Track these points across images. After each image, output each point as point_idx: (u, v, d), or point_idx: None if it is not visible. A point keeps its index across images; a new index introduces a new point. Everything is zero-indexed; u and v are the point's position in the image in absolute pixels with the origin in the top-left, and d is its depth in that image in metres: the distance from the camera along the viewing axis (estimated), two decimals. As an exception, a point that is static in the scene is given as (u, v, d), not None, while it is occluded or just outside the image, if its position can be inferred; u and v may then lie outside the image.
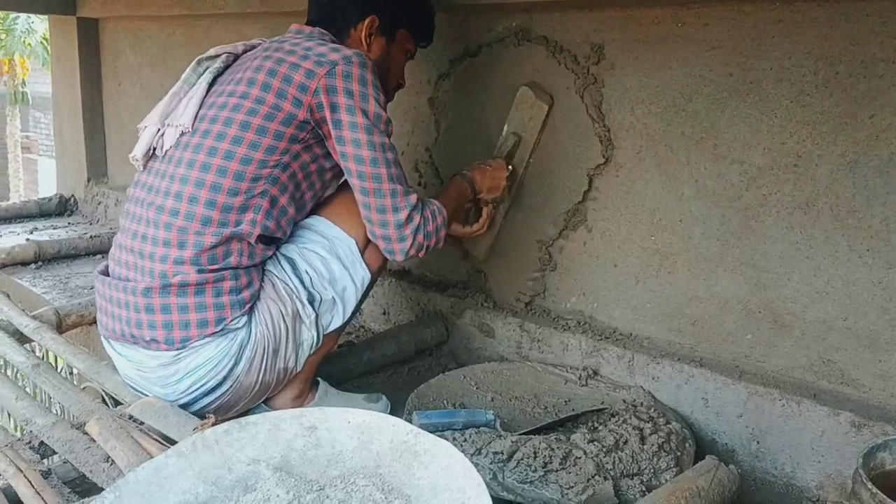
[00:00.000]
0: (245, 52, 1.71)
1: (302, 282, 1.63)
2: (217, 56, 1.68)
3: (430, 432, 1.51)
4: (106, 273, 1.66)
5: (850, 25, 1.47)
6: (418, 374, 2.12)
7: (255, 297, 1.59)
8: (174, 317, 1.52)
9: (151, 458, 1.26)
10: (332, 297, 1.67)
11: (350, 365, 2.01)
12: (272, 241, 1.62)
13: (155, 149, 1.63)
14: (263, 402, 1.70)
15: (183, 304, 1.52)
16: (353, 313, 1.74)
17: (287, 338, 1.61)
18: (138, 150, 1.64)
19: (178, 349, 1.53)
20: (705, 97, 1.70)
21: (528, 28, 1.99)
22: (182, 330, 1.52)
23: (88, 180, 3.76)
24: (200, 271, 1.52)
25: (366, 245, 1.70)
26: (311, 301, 1.64)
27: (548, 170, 2.01)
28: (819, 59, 1.52)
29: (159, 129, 1.62)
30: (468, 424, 1.60)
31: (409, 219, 1.61)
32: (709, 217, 1.73)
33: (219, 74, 1.65)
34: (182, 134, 1.58)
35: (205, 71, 1.65)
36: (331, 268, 1.66)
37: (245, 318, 1.57)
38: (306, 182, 1.64)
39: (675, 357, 1.80)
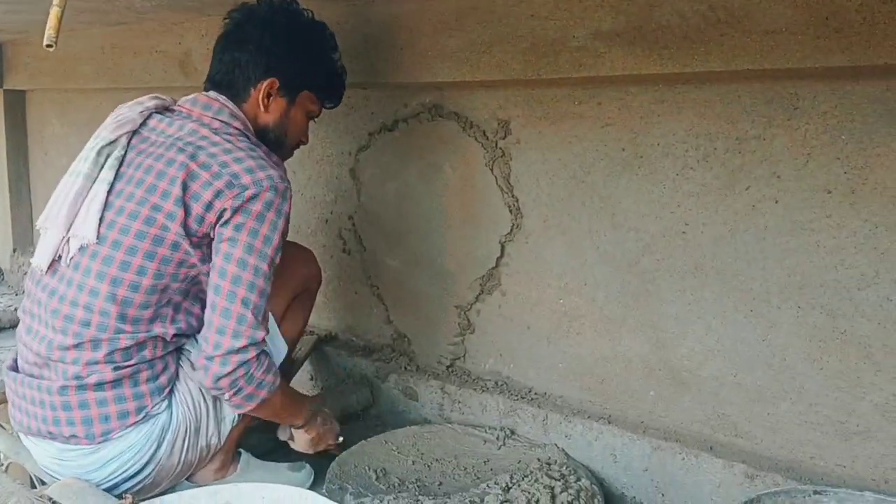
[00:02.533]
0: (143, 122, 1.64)
1: None
2: (116, 140, 1.60)
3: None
4: (16, 368, 1.63)
5: (725, 106, 1.61)
6: (345, 440, 2.16)
7: (174, 380, 1.61)
8: (93, 412, 1.52)
9: (67, 540, 1.28)
10: None
11: (274, 433, 2.04)
12: (185, 335, 1.64)
13: (61, 256, 1.57)
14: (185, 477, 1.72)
15: (101, 398, 1.52)
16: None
17: (208, 415, 1.64)
18: (43, 259, 1.57)
19: (99, 443, 1.53)
20: (602, 170, 1.81)
21: (441, 104, 2.10)
22: (102, 424, 1.52)
23: (14, 251, 3.73)
24: (116, 368, 1.52)
25: (283, 317, 1.75)
26: None
27: (464, 237, 2.11)
28: (699, 135, 1.65)
29: (64, 237, 1.56)
30: None
31: (244, 350, 1.50)
32: (610, 281, 1.84)
33: (120, 163, 1.58)
34: (86, 245, 1.53)
35: (105, 160, 1.58)
36: None
37: (165, 403, 1.58)
38: (206, 282, 1.61)
39: (586, 415, 1.89)
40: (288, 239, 1.75)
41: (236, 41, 1.71)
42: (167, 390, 1.59)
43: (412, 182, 2.20)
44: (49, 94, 3.56)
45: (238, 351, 1.50)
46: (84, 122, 3.38)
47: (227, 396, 1.54)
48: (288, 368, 1.94)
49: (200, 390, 1.62)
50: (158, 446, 1.57)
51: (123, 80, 2.92)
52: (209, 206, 1.51)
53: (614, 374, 1.86)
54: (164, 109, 1.69)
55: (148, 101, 1.69)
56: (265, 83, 1.69)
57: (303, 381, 2.47)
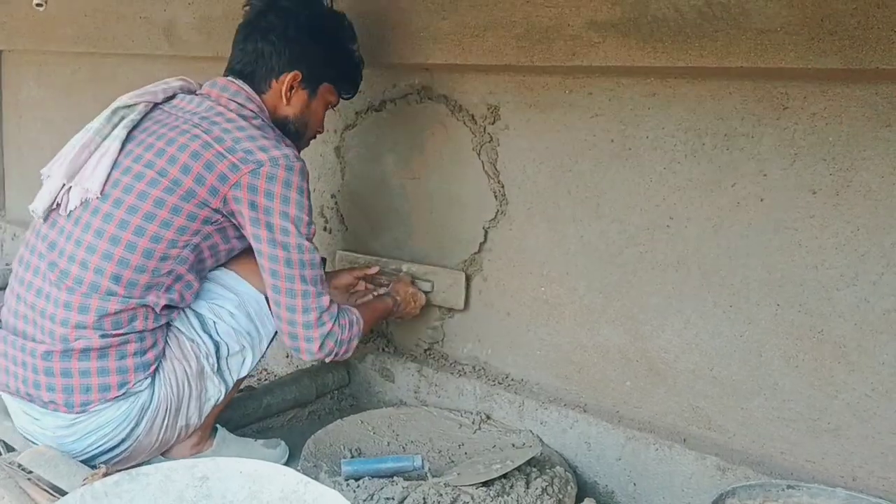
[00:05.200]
0: (166, 99, 1.68)
1: (210, 336, 1.66)
2: (135, 105, 1.63)
3: (356, 480, 1.57)
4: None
5: (716, 102, 1.62)
6: (319, 418, 2.17)
7: (160, 358, 1.60)
8: (75, 381, 1.51)
9: (39, 509, 1.27)
10: (240, 350, 1.70)
11: (249, 410, 2.04)
12: (176, 308, 1.63)
13: (59, 204, 1.57)
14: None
15: (84, 368, 1.51)
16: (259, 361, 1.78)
17: (190, 396, 1.63)
18: (40, 204, 1.57)
19: (77, 413, 1.52)
20: (590, 160, 1.82)
21: (430, 86, 2.09)
22: (82, 394, 1.51)
23: (-16, 213, 3.66)
24: (104, 336, 1.51)
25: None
26: (219, 352, 1.66)
27: (447, 222, 2.11)
28: (688, 130, 1.67)
29: (65, 185, 1.56)
30: (397, 472, 1.62)
31: (320, 322, 1.62)
32: (592, 271, 1.85)
33: (134, 126, 1.60)
34: (90, 198, 1.54)
35: (119, 121, 1.59)
36: (240, 323, 1.69)
37: (148, 381, 1.57)
38: (213, 258, 1.65)
39: (562, 402, 1.91)
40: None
41: (259, 31, 1.71)
42: (152, 367, 1.58)
43: (398, 163, 2.19)
44: (27, 56, 3.49)
45: (315, 325, 1.61)
46: (61, 86, 3.32)
47: (329, 360, 1.69)
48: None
49: (186, 372, 1.62)
50: (137, 424, 1.57)
51: (105, 46, 2.88)
52: (224, 179, 1.53)
53: (591, 364, 1.88)
54: (188, 91, 1.72)
55: (174, 82, 1.73)
56: (288, 76, 1.71)
57: (279, 358, 2.46)
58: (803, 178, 1.53)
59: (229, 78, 1.71)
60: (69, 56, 3.23)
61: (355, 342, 1.72)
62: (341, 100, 1.90)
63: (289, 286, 1.59)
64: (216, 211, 1.56)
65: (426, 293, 2.10)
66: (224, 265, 1.71)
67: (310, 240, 1.62)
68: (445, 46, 1.91)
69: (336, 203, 2.38)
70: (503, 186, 1.98)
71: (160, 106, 1.67)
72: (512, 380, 2.03)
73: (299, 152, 1.75)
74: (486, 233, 2.03)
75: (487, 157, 2.00)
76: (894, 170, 1.43)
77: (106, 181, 1.54)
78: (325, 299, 1.63)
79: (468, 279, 2.08)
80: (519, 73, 1.90)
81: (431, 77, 2.09)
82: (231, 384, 1.71)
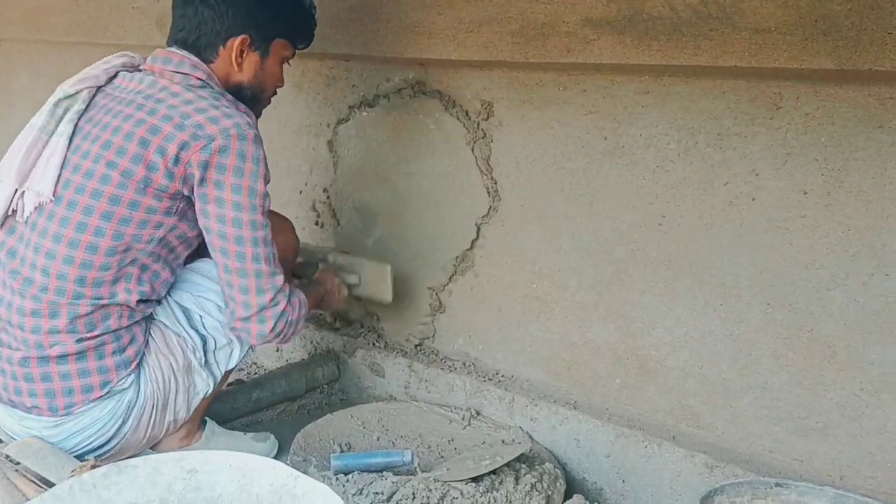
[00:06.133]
0: (109, 80, 1.60)
1: (196, 330, 1.64)
2: (77, 94, 1.55)
3: (346, 474, 1.57)
4: None
5: (709, 101, 1.62)
6: (308, 413, 2.17)
7: (142, 353, 1.58)
8: (56, 384, 1.49)
9: (27, 500, 1.26)
10: (227, 343, 1.69)
11: (239, 403, 2.03)
12: (150, 301, 1.60)
13: (15, 210, 1.52)
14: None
15: (64, 371, 1.49)
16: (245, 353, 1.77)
17: (177, 391, 1.62)
18: None
19: (62, 416, 1.51)
20: (583, 157, 1.82)
21: (424, 81, 2.09)
22: (65, 397, 1.50)
23: (-27, 204, 3.63)
24: (79, 340, 1.49)
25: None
26: (206, 346, 1.65)
27: (439, 217, 2.11)
28: (681, 129, 1.67)
29: (17, 189, 1.50)
30: (386, 466, 1.63)
31: (274, 302, 1.54)
32: (584, 268, 1.85)
33: (80, 115, 1.54)
34: (43, 202, 1.49)
35: (64, 114, 1.53)
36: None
37: (132, 377, 1.56)
38: (183, 246, 1.60)
39: (552, 399, 1.91)
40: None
41: None
42: (134, 364, 1.56)
43: (390, 158, 2.19)
44: (18, 45, 3.46)
45: (269, 306, 1.53)
46: (52, 76, 3.27)
47: (274, 344, 1.65)
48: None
49: (172, 367, 1.60)
50: (124, 422, 1.56)
51: (97, 36, 2.86)
52: (177, 160, 1.47)
53: (582, 361, 1.88)
54: (132, 68, 1.64)
55: (115, 59, 1.65)
56: (236, 41, 1.61)
57: (268, 352, 2.46)
58: (795, 178, 1.53)
59: (172, 49, 1.62)
60: (61, 45, 3.20)
61: (301, 325, 1.64)
62: (297, 52, 1.79)
63: (240, 265, 1.50)
64: (175, 196, 1.50)
65: (352, 285, 2.05)
66: (206, 254, 1.65)
67: (263, 214, 1.53)
68: (440, 41, 1.90)
69: (328, 197, 2.37)
70: (496, 183, 1.98)
71: (103, 89, 1.59)
72: (502, 376, 2.03)
73: (259, 114, 1.70)
74: (479, 229, 2.03)
75: (481, 153, 1.99)
76: (885, 171, 1.44)
77: (57, 182, 1.48)
78: (279, 279, 1.55)
79: (393, 272, 2.06)
80: (514, 70, 1.90)
81: (426, 72, 2.08)
82: (219, 377, 1.71)
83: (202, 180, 1.48)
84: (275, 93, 1.80)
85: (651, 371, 1.77)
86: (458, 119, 2.03)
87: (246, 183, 1.49)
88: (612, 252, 1.80)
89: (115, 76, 1.61)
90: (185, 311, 1.64)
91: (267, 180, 1.55)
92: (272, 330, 1.55)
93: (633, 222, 1.76)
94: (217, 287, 1.63)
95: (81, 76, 1.59)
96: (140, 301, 1.55)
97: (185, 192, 1.51)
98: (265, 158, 1.55)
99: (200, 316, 1.64)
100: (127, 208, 1.47)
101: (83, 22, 2.89)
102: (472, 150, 2.01)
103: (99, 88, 1.59)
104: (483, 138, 1.99)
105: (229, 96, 1.60)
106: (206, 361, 1.66)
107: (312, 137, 2.38)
